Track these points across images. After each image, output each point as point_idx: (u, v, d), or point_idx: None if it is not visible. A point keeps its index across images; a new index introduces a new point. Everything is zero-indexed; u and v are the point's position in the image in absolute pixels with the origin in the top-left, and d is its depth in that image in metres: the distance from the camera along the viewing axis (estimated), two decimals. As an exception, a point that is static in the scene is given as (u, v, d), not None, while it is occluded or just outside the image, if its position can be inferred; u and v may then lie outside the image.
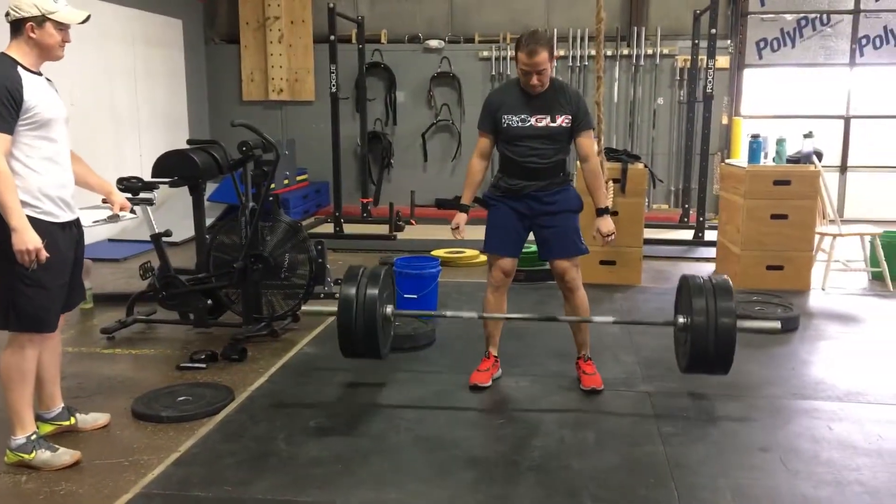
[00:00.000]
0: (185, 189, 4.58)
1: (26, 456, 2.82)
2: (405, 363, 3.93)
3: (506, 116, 3.42)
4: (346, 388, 3.59)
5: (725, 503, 2.57)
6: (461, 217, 3.57)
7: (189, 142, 4.63)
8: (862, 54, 8.69)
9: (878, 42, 8.65)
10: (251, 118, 4.89)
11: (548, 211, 3.47)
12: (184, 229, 6.23)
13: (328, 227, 7.79)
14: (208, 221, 4.82)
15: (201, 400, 3.40)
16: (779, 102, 8.88)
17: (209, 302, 4.43)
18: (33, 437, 2.84)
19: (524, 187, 3.45)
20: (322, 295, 5.16)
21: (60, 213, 2.80)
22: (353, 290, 3.35)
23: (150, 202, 4.32)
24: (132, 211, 4.67)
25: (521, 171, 3.45)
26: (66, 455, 2.86)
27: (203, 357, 3.95)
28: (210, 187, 7.42)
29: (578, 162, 3.67)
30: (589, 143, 3.48)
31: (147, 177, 4.40)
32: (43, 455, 2.83)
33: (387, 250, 6.75)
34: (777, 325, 3.38)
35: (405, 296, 4.69)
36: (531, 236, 3.59)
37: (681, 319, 3.26)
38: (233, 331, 4.31)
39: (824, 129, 8.14)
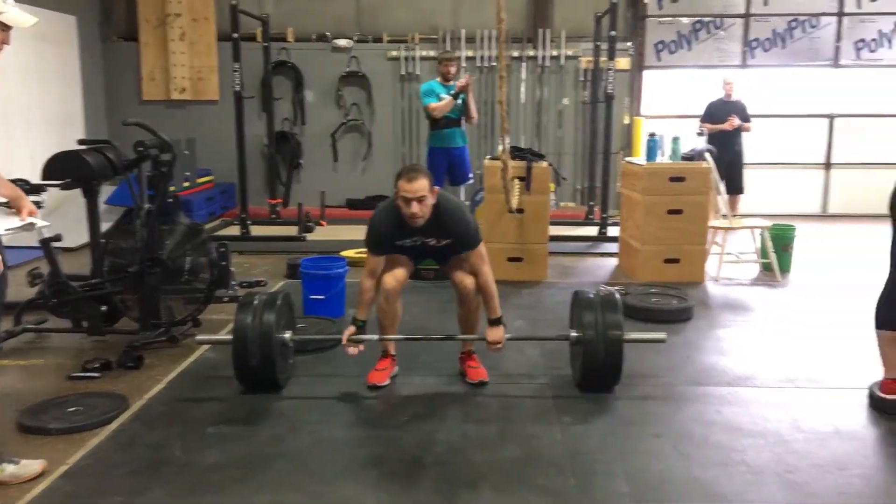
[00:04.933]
0: (80, 192, 4.41)
1: None
2: (309, 366, 3.88)
3: (399, 242, 3.50)
4: (247, 392, 3.52)
5: (620, 488, 2.66)
6: (351, 331, 3.51)
7: (80, 142, 4.44)
8: (753, 56, 9.14)
9: (767, 45, 9.11)
10: (152, 118, 4.73)
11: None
12: (79, 234, 5.97)
13: (235, 230, 7.62)
14: (106, 225, 4.64)
15: (93, 410, 3.26)
16: (677, 103, 9.23)
17: (104, 309, 4.26)
18: None
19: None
20: (226, 299, 5.05)
21: None
22: (248, 318, 3.36)
23: (38, 206, 4.12)
24: (31, 224, 4.47)
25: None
26: (34, 465, 2.74)
27: (97, 366, 3.80)
28: (108, 190, 7.21)
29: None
30: (476, 259, 3.49)
31: (38, 180, 4.21)
32: (9, 469, 2.69)
33: (295, 252, 6.65)
34: (663, 336, 3.60)
35: (311, 297, 4.65)
36: None
37: (573, 333, 3.50)
38: (129, 338, 4.16)
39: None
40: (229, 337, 3.46)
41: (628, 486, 2.66)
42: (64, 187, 4.49)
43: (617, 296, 3.56)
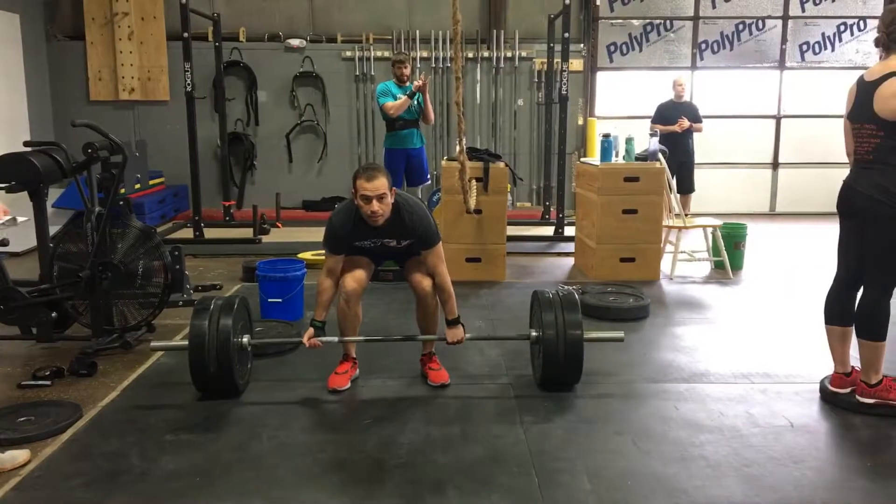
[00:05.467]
0: (27, 196, 4.27)
1: None
2: (268, 369, 3.84)
3: (358, 243, 3.50)
4: (206, 398, 3.45)
5: (583, 485, 2.68)
6: (311, 332, 3.51)
7: (26, 144, 4.31)
8: (702, 58, 9.33)
9: (715, 47, 9.31)
10: (100, 119, 4.61)
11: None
12: (26, 238, 5.80)
13: (188, 232, 7.48)
14: (54, 229, 4.52)
15: (45, 419, 3.17)
16: (630, 104, 9.37)
17: (54, 315, 4.13)
18: None
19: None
20: (181, 303, 4.97)
21: None
22: (204, 323, 3.31)
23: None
24: (13, 219, 4.32)
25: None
26: (20, 455, 2.80)
27: (48, 373, 3.69)
28: (55, 193, 7.00)
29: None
30: (434, 259, 3.51)
31: (-20, 183, 4.07)
32: None
33: (251, 254, 6.57)
34: (621, 335, 3.68)
35: (269, 300, 4.59)
36: None
37: (533, 333, 3.54)
38: (81, 345, 4.05)
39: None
40: (185, 343, 3.39)
41: (591, 484, 2.68)
42: (9, 190, 4.36)
43: (576, 295, 3.60)
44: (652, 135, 5.79)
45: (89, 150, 4.13)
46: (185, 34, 7.19)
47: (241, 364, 3.48)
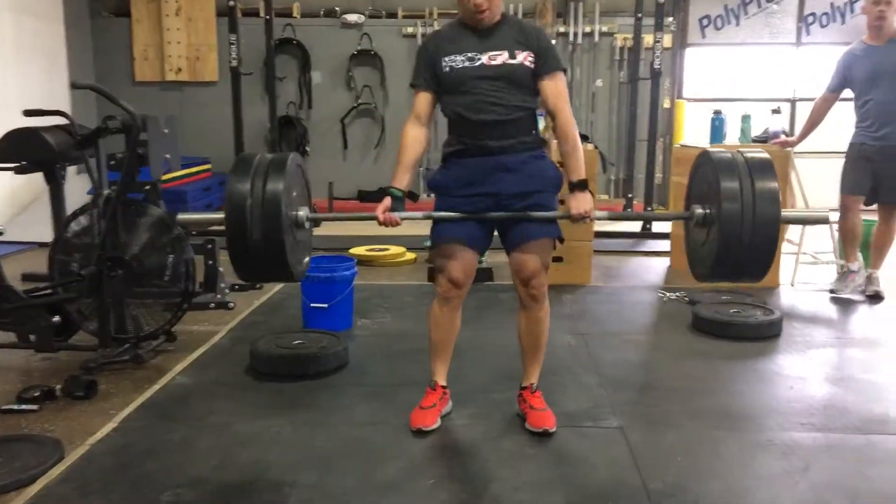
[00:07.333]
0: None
1: None
2: (307, 395, 3.04)
3: (447, 58, 2.55)
4: (224, 436, 2.67)
5: None
6: (385, 204, 2.55)
7: (26, 113, 3.61)
8: (809, 33, 8.20)
9: (824, 20, 8.18)
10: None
11: (520, 190, 2.57)
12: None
13: (232, 224, 6.78)
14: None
15: (14, 463, 2.42)
16: (720, 85, 8.30)
17: (56, 319, 3.43)
18: None
19: (483, 150, 2.57)
20: (213, 305, 4.23)
21: None
22: (246, 186, 2.34)
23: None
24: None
25: (477, 130, 2.56)
26: None
27: (36, 394, 2.96)
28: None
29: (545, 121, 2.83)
30: (558, 89, 2.57)
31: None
32: None
33: (298, 249, 5.82)
34: (826, 215, 2.52)
35: (312, 305, 3.80)
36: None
37: (699, 210, 2.46)
38: (87, 356, 3.33)
39: (764, 115, 7.63)
40: (219, 216, 2.39)
41: None
42: (19, 171, 3.73)
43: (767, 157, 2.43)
44: (774, 111, 4.81)
45: (104, 123, 3.46)
46: (231, 2, 6.46)
47: (296, 243, 2.49)
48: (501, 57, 2.52)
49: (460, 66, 2.53)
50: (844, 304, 4.47)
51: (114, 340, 3.38)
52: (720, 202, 2.32)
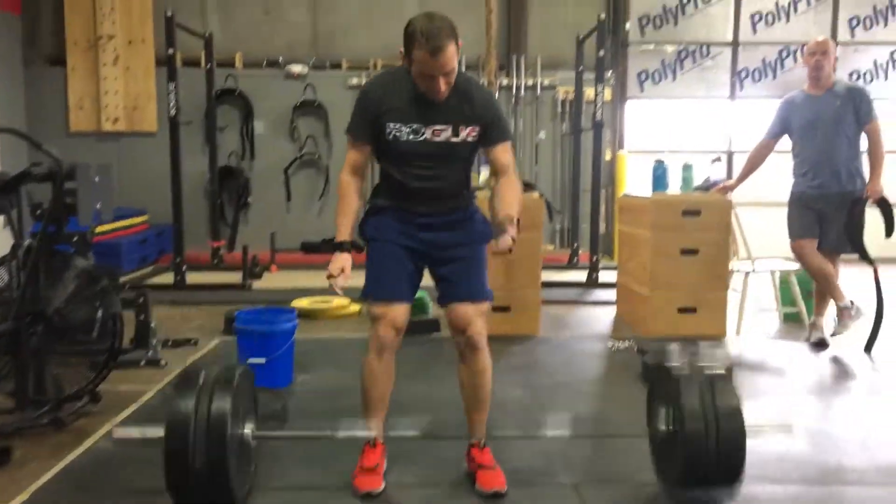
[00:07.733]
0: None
1: None
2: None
3: (392, 125, 2.46)
4: None
5: None
6: (343, 258, 2.48)
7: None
8: (742, 87, 8.49)
9: (757, 75, 8.48)
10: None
11: (448, 242, 2.56)
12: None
13: (170, 277, 6.54)
14: None
15: None
16: (658, 137, 8.47)
17: (-33, 380, 3.18)
18: None
19: (413, 213, 2.55)
20: (143, 362, 4.03)
21: None
22: (190, 404, 2.25)
23: None
24: None
25: (411, 195, 2.54)
26: None
27: (-59, 464, 2.72)
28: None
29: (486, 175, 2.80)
30: (506, 159, 2.55)
31: None
32: None
33: (238, 302, 5.60)
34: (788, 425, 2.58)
35: (249, 361, 3.61)
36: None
37: (661, 427, 2.48)
38: (2, 419, 3.08)
39: (703, 165, 7.80)
40: (158, 431, 2.27)
41: None
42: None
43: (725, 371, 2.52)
44: (715, 160, 4.88)
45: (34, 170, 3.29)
46: (171, 49, 6.34)
47: (240, 464, 2.38)
48: (445, 133, 2.48)
49: (404, 138, 2.48)
50: (790, 353, 4.48)
51: (32, 402, 3.14)
52: (683, 420, 2.33)
